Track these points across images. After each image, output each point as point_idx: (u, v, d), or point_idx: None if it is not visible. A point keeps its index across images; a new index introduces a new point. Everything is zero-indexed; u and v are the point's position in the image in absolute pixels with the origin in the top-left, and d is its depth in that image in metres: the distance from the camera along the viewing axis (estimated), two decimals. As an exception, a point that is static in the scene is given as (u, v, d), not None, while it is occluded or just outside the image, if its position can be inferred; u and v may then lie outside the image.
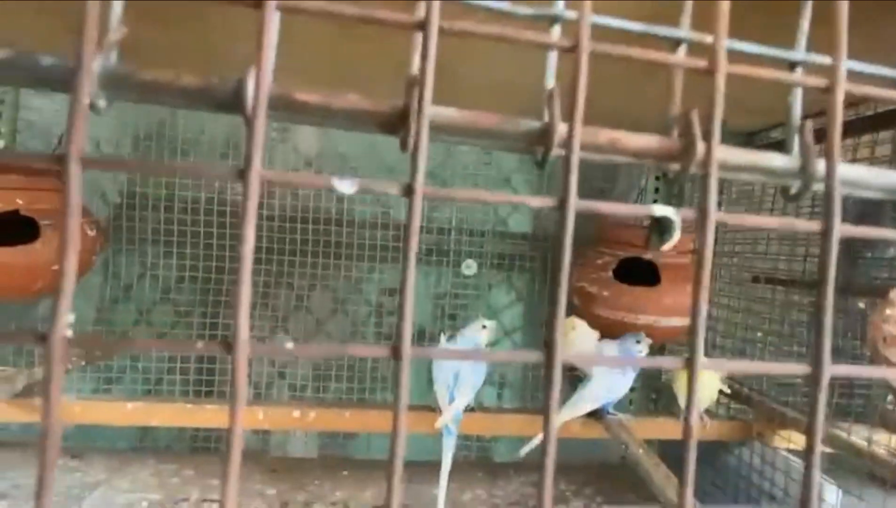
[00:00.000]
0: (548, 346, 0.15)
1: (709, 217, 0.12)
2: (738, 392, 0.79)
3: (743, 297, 0.83)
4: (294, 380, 0.96)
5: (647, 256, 0.81)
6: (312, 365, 0.97)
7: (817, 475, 0.13)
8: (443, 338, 0.72)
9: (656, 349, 0.98)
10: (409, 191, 0.12)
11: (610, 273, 0.81)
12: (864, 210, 0.70)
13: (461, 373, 0.68)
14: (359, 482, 0.80)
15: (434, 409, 0.71)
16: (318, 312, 0.97)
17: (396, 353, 0.12)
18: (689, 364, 0.14)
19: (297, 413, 0.69)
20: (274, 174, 0.11)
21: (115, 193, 0.91)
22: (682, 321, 0.79)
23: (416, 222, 0.13)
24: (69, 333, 0.10)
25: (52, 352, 0.10)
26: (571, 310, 0.86)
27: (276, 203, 0.93)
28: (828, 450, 0.65)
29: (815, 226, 0.13)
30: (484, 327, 0.70)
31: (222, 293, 0.93)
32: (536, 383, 1.01)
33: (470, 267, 0.98)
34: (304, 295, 0.95)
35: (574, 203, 0.12)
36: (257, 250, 0.92)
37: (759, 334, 0.80)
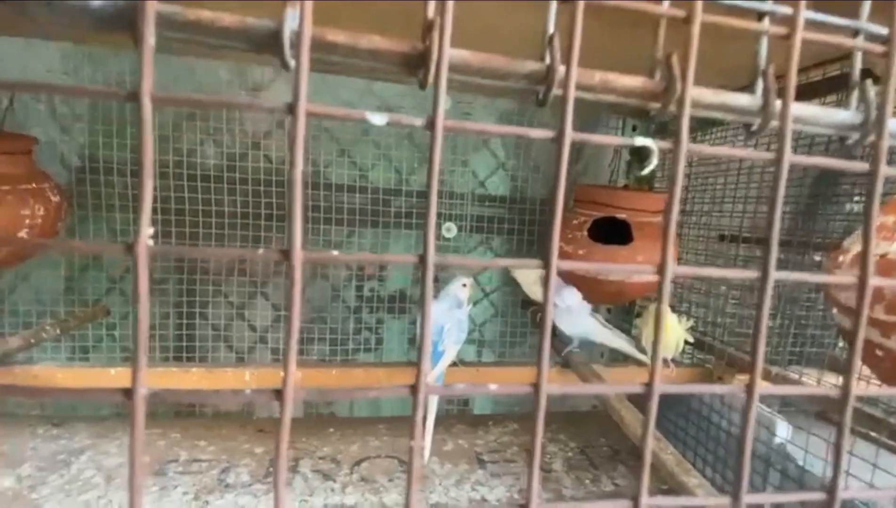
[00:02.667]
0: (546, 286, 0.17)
1: (681, 145, 0.14)
2: (702, 342, 0.85)
3: (709, 254, 0.88)
4: (276, 344, 0.97)
5: (621, 215, 0.84)
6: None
7: (758, 382, 0.16)
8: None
9: (626, 305, 1.04)
10: (431, 125, 0.14)
11: (585, 233, 0.84)
12: (820, 179, 0.75)
13: (446, 328, 0.71)
14: (345, 437, 0.84)
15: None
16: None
17: (423, 260, 0.14)
18: (660, 295, 0.16)
19: (281, 373, 0.70)
20: (318, 107, 0.12)
21: (75, 156, 0.87)
22: (654, 277, 0.84)
23: (437, 155, 0.14)
24: (150, 242, 0.12)
25: (139, 260, 0.11)
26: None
27: (250, 166, 0.91)
28: (781, 391, 0.72)
29: (769, 155, 0.15)
30: (464, 285, 0.73)
31: (197, 260, 0.92)
32: (513, 341, 1.06)
33: (450, 230, 1.00)
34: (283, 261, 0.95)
35: (569, 135, 0.14)
36: (231, 215, 0.91)
37: (723, 287, 0.86)
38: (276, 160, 0.93)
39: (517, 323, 1.06)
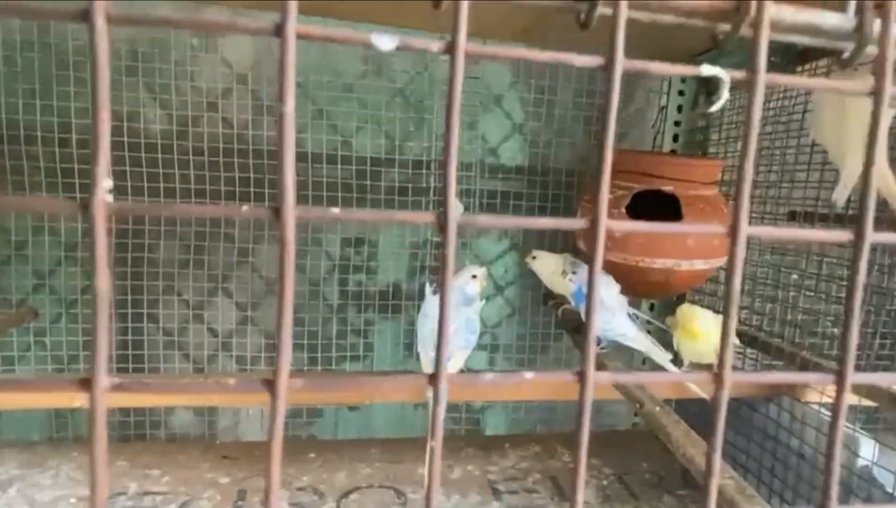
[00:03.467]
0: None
1: (758, 78, 0.14)
2: (768, 344, 0.86)
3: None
4: (242, 351, 0.98)
5: (667, 188, 0.84)
6: (265, 333, 0.99)
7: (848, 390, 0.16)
8: (428, 290, 0.74)
9: (674, 299, 1.04)
10: (450, 48, 0.14)
11: (622, 210, 0.84)
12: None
13: (453, 327, 0.71)
14: (329, 464, 0.85)
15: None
16: (266, 269, 0.98)
17: (441, 221, 0.14)
18: (729, 280, 0.16)
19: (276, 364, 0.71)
20: (312, 29, 0.12)
21: (-11, 122, 0.87)
22: (706, 264, 0.84)
23: (459, 82, 0.14)
24: (109, 198, 0.12)
25: (96, 220, 0.11)
26: (578, 256, 0.90)
27: (205, 132, 0.91)
28: (867, 403, 0.73)
29: (864, 87, 0.15)
30: (474, 276, 0.73)
31: (144, 249, 0.92)
32: (534, 345, 1.06)
33: (455, 209, 1.00)
34: (248, 249, 0.96)
35: (621, 62, 0.14)
36: (184, 193, 0.91)
37: (794, 276, 0.86)
38: (238, 124, 0.92)
39: (539, 324, 1.06)
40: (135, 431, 0.96)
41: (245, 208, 0.14)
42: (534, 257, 0.90)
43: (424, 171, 1.00)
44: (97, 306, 0.14)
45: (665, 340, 0.93)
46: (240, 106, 0.92)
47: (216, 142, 0.92)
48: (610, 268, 0.83)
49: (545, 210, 1.03)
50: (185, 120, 0.91)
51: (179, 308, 0.96)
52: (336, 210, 0.14)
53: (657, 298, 1.05)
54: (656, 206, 0.85)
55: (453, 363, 0.71)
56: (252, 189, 0.92)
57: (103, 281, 0.13)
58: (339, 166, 0.96)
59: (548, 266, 0.88)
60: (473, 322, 0.73)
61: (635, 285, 0.85)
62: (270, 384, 0.15)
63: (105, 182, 0.12)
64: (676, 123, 1.04)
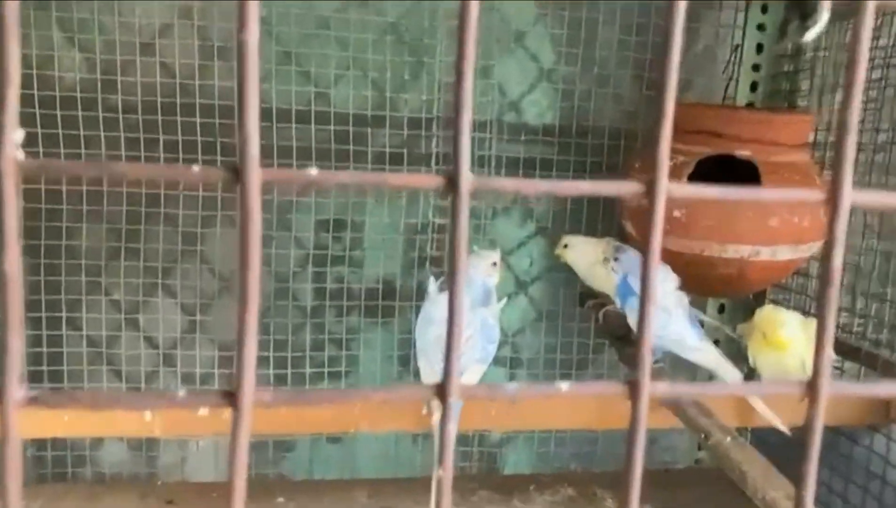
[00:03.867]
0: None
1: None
2: (873, 356, 0.85)
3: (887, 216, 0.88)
4: (190, 366, 0.99)
5: (743, 152, 0.84)
6: (218, 344, 1.00)
7: None
8: (432, 286, 0.75)
9: (750, 299, 1.04)
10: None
11: (685, 180, 0.84)
12: None
13: (466, 338, 0.72)
14: (303, 511, 0.86)
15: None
16: (219, 261, 0.98)
17: (453, 184, 0.14)
18: (824, 277, 0.16)
19: (204, 411, 0.72)
20: None
21: None
22: (792, 252, 0.84)
23: (475, 10, 0.14)
24: (20, 154, 0.12)
25: (6, 179, 0.11)
26: (624, 241, 0.90)
27: (138, 83, 0.91)
28: None
29: None
30: (494, 263, 0.74)
31: (62, 235, 0.93)
32: (567, 360, 1.07)
33: (463, 181, 1.00)
34: (195, 235, 0.96)
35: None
36: (110, 158, 0.91)
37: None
38: (182, 71, 0.92)
39: (573, 331, 1.06)
40: (53, 469, 0.97)
41: (196, 168, 0.14)
42: (566, 246, 0.90)
43: (424, 132, 0.99)
44: (6, 297, 0.14)
45: (734, 352, 0.93)
46: (183, 48, 0.92)
47: (152, 95, 0.92)
48: (666, 259, 0.83)
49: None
50: (112, 67, 0.91)
51: (108, 311, 0.97)
52: (314, 171, 0.14)
53: (727, 297, 1.05)
54: (728, 175, 0.85)
55: (467, 379, 0.72)
56: (200, 156, 0.93)
57: (13, 263, 0.13)
58: (314, 127, 0.96)
59: (585, 255, 0.88)
60: (492, 328, 0.73)
61: (699, 280, 0.85)
62: (231, 397, 0.15)
63: (15, 133, 0.12)
64: (755, 68, 1.03)
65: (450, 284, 0.17)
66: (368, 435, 1.05)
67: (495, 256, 0.76)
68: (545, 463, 1.10)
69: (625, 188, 0.19)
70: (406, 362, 1.04)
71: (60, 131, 0.90)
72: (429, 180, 0.16)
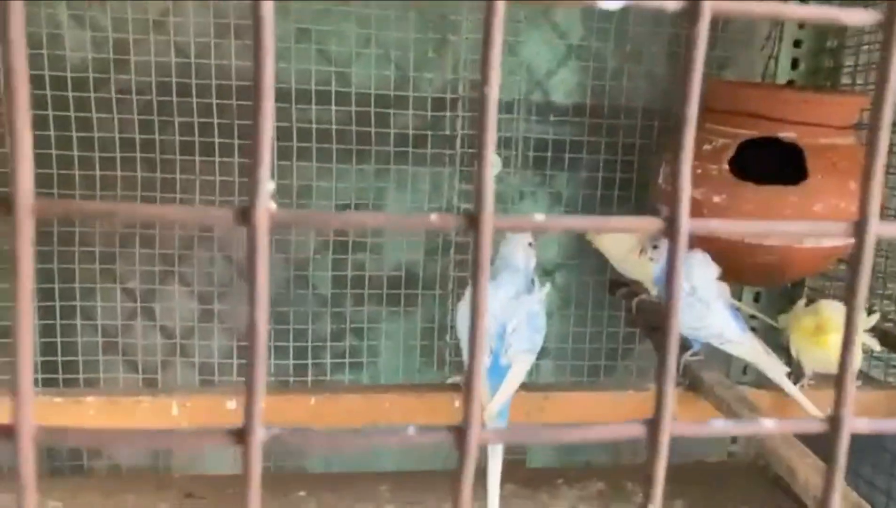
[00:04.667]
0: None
1: None
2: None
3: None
4: (207, 356, 0.99)
5: (787, 135, 0.82)
6: (235, 332, 1.00)
7: None
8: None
9: (788, 288, 1.03)
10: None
11: (725, 165, 0.82)
12: None
13: (510, 328, 0.70)
14: (325, 505, 0.86)
15: (460, 386, 0.76)
16: (236, 247, 0.98)
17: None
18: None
19: (232, 404, 0.72)
20: None
21: None
22: (839, 240, 0.83)
23: None
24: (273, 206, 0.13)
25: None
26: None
27: (152, 63, 0.90)
28: None
29: None
30: (530, 244, 0.73)
31: (74, 222, 0.93)
32: (596, 350, 1.06)
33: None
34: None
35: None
36: (125, 145, 0.91)
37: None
38: (196, 50, 0.91)
39: (602, 320, 1.05)
40: (68, 462, 0.97)
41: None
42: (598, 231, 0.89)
43: (448, 113, 0.98)
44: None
45: (771, 344, 0.92)
46: (198, 26, 0.91)
47: (166, 75, 0.90)
48: (704, 246, 0.81)
49: (613, 165, 1.00)
50: (124, 46, 0.90)
51: (122, 300, 0.96)
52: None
53: (767, 285, 1.03)
54: (771, 160, 0.83)
55: (514, 374, 0.71)
56: (216, 139, 0.92)
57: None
58: (333, 108, 0.94)
59: (618, 241, 0.87)
60: (537, 316, 0.72)
61: (738, 268, 0.83)
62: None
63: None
64: (796, 44, 1.00)
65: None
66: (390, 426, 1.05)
67: (528, 236, 0.76)
68: (573, 456, 1.10)
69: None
70: (429, 353, 1.03)
71: (72, 114, 0.89)
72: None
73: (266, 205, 0.13)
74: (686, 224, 0.16)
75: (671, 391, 0.17)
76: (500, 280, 0.72)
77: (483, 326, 0.15)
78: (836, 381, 0.18)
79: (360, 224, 0.15)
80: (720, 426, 0.17)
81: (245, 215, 0.14)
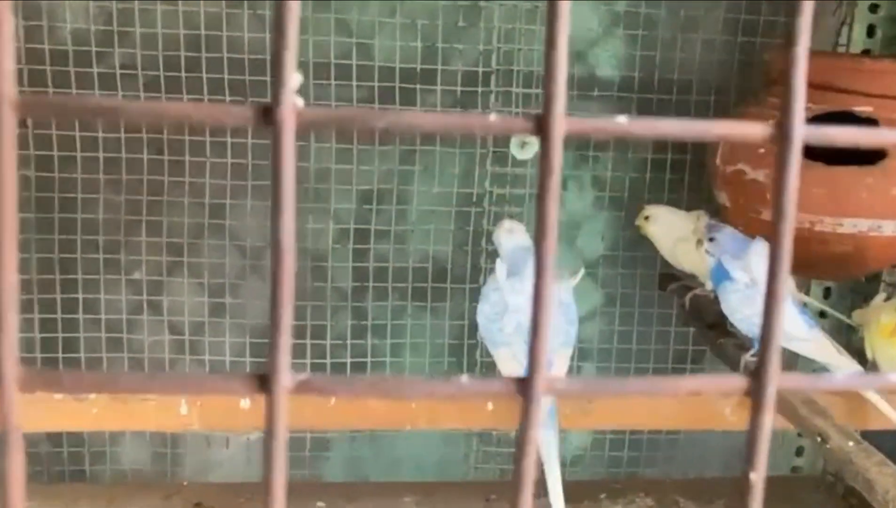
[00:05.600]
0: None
1: None
2: None
3: None
4: (218, 353, 0.97)
5: (862, 109, 0.79)
6: (250, 329, 0.98)
7: None
8: (500, 269, 0.72)
9: (862, 282, 0.98)
10: None
11: (792, 143, 0.79)
12: None
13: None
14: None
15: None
16: (249, 235, 0.97)
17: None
18: None
19: (246, 404, 0.71)
20: None
21: None
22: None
23: None
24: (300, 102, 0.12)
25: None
26: (716, 214, 0.86)
27: (159, 35, 0.89)
28: None
29: None
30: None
31: (77, 207, 0.92)
32: (644, 350, 1.02)
33: (525, 144, 0.96)
34: (223, 207, 0.95)
35: None
36: (129, 148, 0.89)
37: None
38: (207, 21, 0.90)
39: (651, 318, 1.02)
40: (70, 466, 0.97)
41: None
42: (647, 218, 0.87)
43: (480, 88, 0.95)
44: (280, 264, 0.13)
45: (843, 343, 0.88)
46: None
47: (174, 49, 0.90)
48: (770, 233, 0.79)
49: (663, 146, 0.97)
50: (129, 17, 0.89)
51: (127, 292, 0.96)
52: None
53: (839, 279, 1.00)
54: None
55: (557, 370, 0.71)
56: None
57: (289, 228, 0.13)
58: (354, 83, 0.93)
59: (671, 230, 0.85)
60: (570, 307, 0.73)
61: (807, 259, 0.81)
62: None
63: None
64: (872, 9, 0.96)
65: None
66: (414, 434, 1.03)
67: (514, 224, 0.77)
68: (617, 468, 1.07)
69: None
70: (458, 352, 1.01)
71: (74, 90, 0.88)
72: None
73: (292, 101, 0.12)
74: (800, 128, 0.15)
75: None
76: (525, 271, 0.70)
77: (551, 249, 0.15)
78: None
79: (407, 125, 0.14)
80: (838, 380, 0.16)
81: (267, 114, 0.12)
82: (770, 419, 0.16)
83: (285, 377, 0.14)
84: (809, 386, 0.15)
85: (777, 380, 0.15)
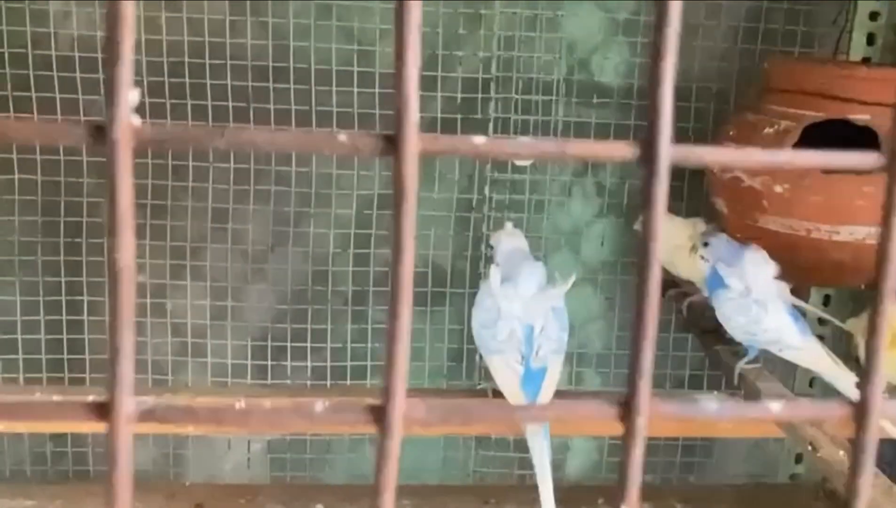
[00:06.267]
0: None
1: None
2: None
3: None
4: (221, 355, 0.98)
5: (860, 117, 0.79)
6: (251, 332, 0.99)
7: None
8: (494, 275, 0.72)
9: (861, 289, 0.98)
10: None
11: (788, 151, 0.79)
12: None
13: (538, 329, 0.70)
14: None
15: (488, 393, 0.76)
16: (253, 239, 0.97)
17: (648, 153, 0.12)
18: None
19: (240, 405, 0.71)
20: None
21: None
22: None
23: None
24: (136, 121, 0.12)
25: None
26: (714, 221, 0.86)
27: (164, 42, 0.90)
28: None
29: None
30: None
31: (82, 211, 0.93)
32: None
33: (525, 151, 0.96)
34: (226, 211, 0.95)
35: None
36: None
37: None
38: (211, 29, 0.91)
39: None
40: (74, 466, 0.98)
41: (343, 136, 0.13)
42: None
43: (480, 94, 0.96)
44: (118, 292, 0.13)
45: (841, 351, 0.88)
46: (212, 3, 0.90)
47: (178, 55, 0.90)
48: (766, 240, 0.78)
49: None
50: (135, 23, 0.90)
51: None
52: (480, 139, 0.12)
53: (835, 287, 0.99)
54: (842, 144, 0.79)
55: (550, 376, 0.71)
56: (231, 123, 0.91)
57: (128, 250, 0.12)
58: (356, 89, 0.93)
59: (668, 236, 0.84)
60: (563, 313, 0.72)
61: (805, 266, 0.81)
62: (378, 412, 0.15)
63: (130, 94, 0.12)
64: (872, 16, 0.96)
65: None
66: (412, 437, 1.03)
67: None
68: (615, 472, 1.07)
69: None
70: (457, 356, 1.01)
71: (80, 97, 0.89)
72: (620, 150, 0.14)
73: (127, 120, 0.12)
74: (667, 148, 0.14)
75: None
76: (519, 278, 0.70)
77: (408, 267, 0.15)
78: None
79: (247, 143, 0.13)
80: (712, 408, 0.16)
81: (101, 133, 0.12)
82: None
83: (127, 404, 0.13)
84: (679, 412, 0.15)
85: (647, 408, 0.15)
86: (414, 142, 0.13)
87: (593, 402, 0.15)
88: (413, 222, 0.13)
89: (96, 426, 0.79)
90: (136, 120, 0.12)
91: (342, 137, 0.13)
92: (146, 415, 0.14)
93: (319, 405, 0.14)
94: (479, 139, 0.14)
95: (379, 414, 0.14)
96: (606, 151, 0.14)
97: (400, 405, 0.14)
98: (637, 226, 0.87)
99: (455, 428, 0.81)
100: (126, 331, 0.13)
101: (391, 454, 0.14)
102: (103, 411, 0.13)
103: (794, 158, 0.15)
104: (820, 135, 0.79)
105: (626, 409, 0.15)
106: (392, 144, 0.13)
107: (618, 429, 0.15)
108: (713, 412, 0.15)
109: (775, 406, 0.15)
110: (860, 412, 0.15)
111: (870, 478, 0.15)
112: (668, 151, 0.14)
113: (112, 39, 0.11)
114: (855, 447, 0.15)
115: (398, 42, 0.13)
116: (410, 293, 0.13)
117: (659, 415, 0.15)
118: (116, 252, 0.12)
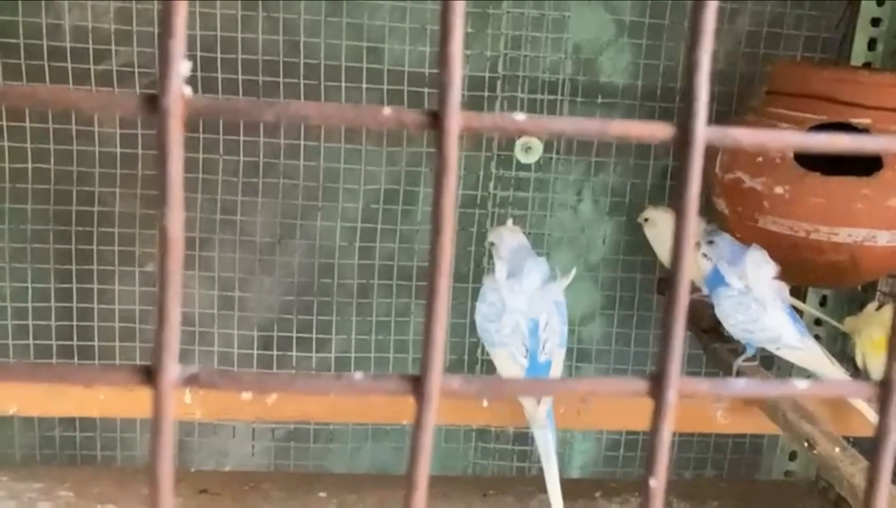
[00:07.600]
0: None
1: None
2: None
3: None
4: (227, 344, 0.99)
5: (860, 121, 0.79)
6: (258, 323, 0.99)
7: None
8: (499, 269, 0.73)
9: (858, 290, 0.98)
10: None
11: (789, 154, 0.79)
12: None
13: (543, 323, 0.70)
14: (343, 507, 0.85)
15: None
16: (260, 230, 0.98)
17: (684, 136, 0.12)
18: None
19: (246, 395, 0.72)
20: None
21: None
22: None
23: None
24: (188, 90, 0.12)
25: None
26: (714, 222, 0.86)
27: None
28: None
29: None
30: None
31: (94, 200, 0.93)
32: (642, 353, 1.03)
33: (530, 149, 0.97)
34: (235, 204, 0.96)
35: None
36: (138, 124, 0.91)
37: None
38: (223, 23, 0.91)
39: (649, 322, 1.02)
40: (82, 451, 0.98)
41: (388, 110, 0.13)
42: (647, 220, 0.87)
43: (486, 92, 0.96)
44: (167, 261, 0.13)
45: (837, 351, 0.88)
46: (224, -2, 0.91)
47: (191, 49, 0.90)
48: (766, 241, 0.79)
49: (665, 153, 0.97)
50: (143, 17, 0.90)
51: (141, 284, 0.97)
52: (521, 116, 0.13)
53: (833, 287, 0.99)
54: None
55: (554, 369, 0.72)
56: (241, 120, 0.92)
57: (177, 221, 0.13)
58: (364, 86, 0.93)
59: (669, 233, 0.85)
60: (563, 307, 0.73)
61: (803, 267, 0.81)
62: (416, 383, 0.15)
63: (182, 65, 0.12)
64: (874, 22, 0.96)
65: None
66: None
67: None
68: (613, 467, 1.07)
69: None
70: (460, 349, 1.01)
71: (94, 88, 0.90)
72: (658, 130, 0.14)
73: (179, 89, 0.12)
74: (702, 129, 0.14)
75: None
76: (523, 273, 0.71)
77: (447, 245, 0.15)
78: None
79: (294, 115, 0.13)
80: (740, 385, 0.15)
81: (154, 103, 0.12)
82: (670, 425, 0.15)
83: (172, 370, 0.14)
84: (710, 390, 0.16)
85: (677, 385, 0.15)
86: (456, 118, 0.13)
87: (624, 377, 0.16)
88: (453, 198, 0.14)
89: (133, 400, 0.78)
90: (188, 90, 0.12)
91: (387, 111, 0.13)
92: (190, 380, 0.14)
93: (360, 374, 0.15)
94: (520, 116, 0.14)
95: (416, 384, 0.15)
96: (645, 132, 0.15)
97: (437, 376, 0.14)
98: (641, 218, 0.87)
99: (470, 417, 0.80)
100: (173, 300, 0.13)
101: (427, 424, 0.15)
102: (149, 375, 0.13)
103: (825, 142, 0.15)
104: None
105: (657, 383, 0.15)
106: (436, 119, 0.13)
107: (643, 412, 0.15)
108: (741, 389, 0.15)
109: (802, 384, 0.15)
110: (885, 390, 0.15)
111: (892, 451, 0.15)
112: (704, 132, 0.14)
113: (166, 13, 0.12)
114: (880, 424, 0.15)
115: (444, 24, 0.13)
116: (450, 269, 0.14)
117: (687, 391, 0.15)
118: (166, 221, 0.13)
